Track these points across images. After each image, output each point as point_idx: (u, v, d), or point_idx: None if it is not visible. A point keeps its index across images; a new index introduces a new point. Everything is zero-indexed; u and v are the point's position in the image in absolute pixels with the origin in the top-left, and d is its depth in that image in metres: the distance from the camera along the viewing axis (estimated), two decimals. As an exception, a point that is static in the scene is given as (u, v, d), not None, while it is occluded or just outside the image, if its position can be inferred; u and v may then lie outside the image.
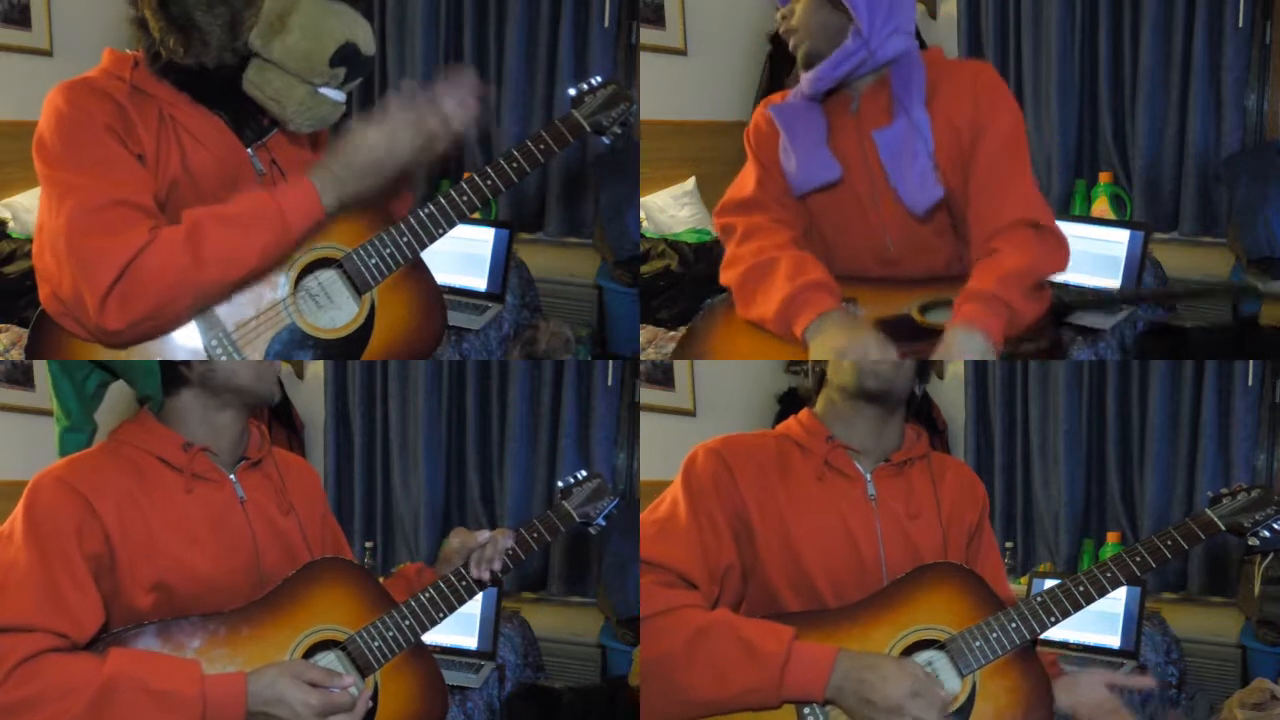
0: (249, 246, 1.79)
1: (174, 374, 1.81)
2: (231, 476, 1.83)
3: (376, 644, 1.82)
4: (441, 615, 1.88)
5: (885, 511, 1.93)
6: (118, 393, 3.40)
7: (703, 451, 1.95)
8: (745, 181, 2.20)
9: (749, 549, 1.90)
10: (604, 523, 2.08)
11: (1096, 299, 2.23)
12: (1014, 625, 1.85)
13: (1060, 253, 2.05)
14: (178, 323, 1.82)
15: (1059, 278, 2.06)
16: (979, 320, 1.95)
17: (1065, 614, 1.87)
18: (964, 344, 1.94)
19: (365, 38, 1.84)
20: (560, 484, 2.06)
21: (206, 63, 1.79)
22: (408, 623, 1.85)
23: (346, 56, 1.82)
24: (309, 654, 1.79)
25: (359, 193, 1.86)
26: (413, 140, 1.86)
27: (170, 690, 1.64)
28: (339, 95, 1.86)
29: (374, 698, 1.81)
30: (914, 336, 2.03)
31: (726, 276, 2.15)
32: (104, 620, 1.69)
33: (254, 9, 1.78)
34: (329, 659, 1.80)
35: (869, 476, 1.95)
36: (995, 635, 1.84)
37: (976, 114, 2.07)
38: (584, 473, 2.06)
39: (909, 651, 1.85)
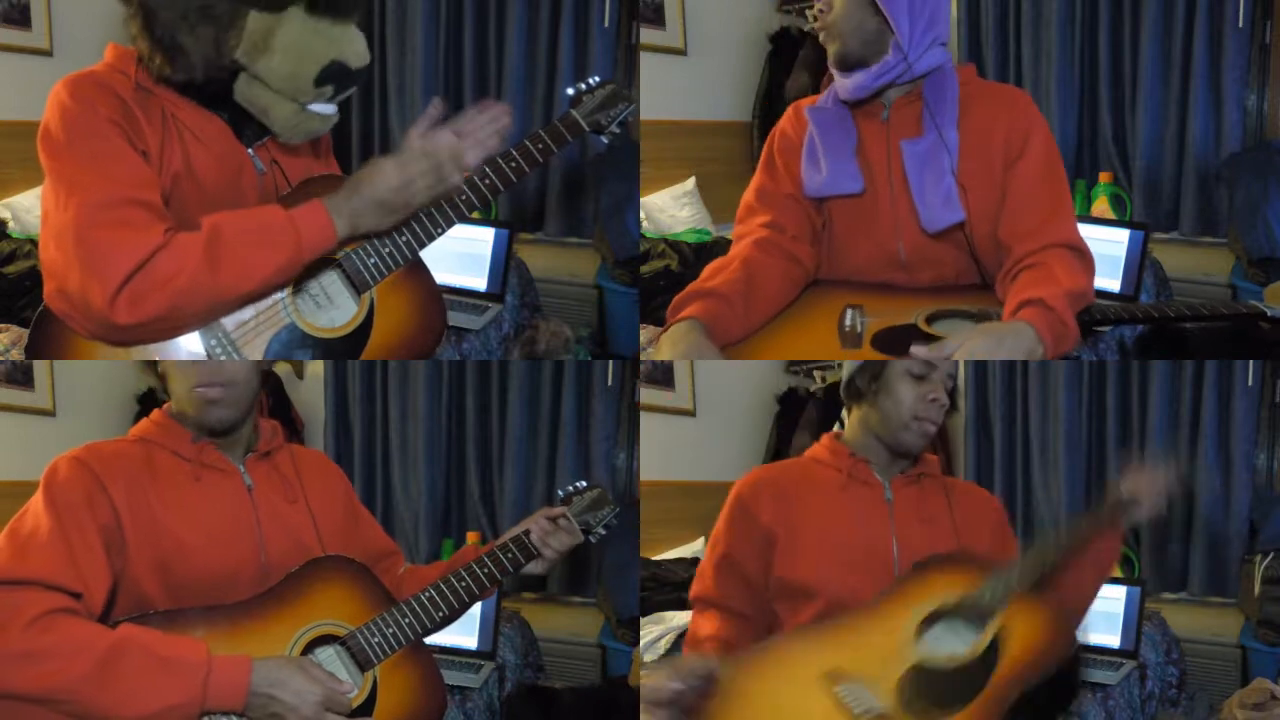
0: (264, 261, 1.80)
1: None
2: (240, 467, 1.89)
3: (376, 640, 1.85)
4: (441, 614, 1.91)
5: (900, 515, 2.02)
6: (121, 389, 3.39)
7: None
8: (751, 187, 2.23)
9: None
10: (604, 531, 2.10)
11: (1120, 316, 2.21)
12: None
13: (1093, 279, 2.06)
14: (186, 328, 1.82)
15: None
16: (1039, 322, 1.91)
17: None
18: (1018, 338, 1.89)
19: (355, 52, 1.83)
20: (560, 493, 2.09)
21: (195, 78, 1.80)
22: (407, 620, 1.88)
23: (333, 75, 1.81)
24: (309, 648, 1.81)
25: (372, 227, 1.87)
26: (429, 185, 1.86)
27: (176, 657, 1.70)
28: (328, 109, 1.86)
29: (373, 692, 1.83)
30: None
31: None
32: (111, 586, 1.76)
33: (236, 30, 1.77)
34: (328, 654, 1.82)
35: (886, 483, 2.04)
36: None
37: (1010, 138, 2.09)
38: (584, 483, 2.10)
39: None
